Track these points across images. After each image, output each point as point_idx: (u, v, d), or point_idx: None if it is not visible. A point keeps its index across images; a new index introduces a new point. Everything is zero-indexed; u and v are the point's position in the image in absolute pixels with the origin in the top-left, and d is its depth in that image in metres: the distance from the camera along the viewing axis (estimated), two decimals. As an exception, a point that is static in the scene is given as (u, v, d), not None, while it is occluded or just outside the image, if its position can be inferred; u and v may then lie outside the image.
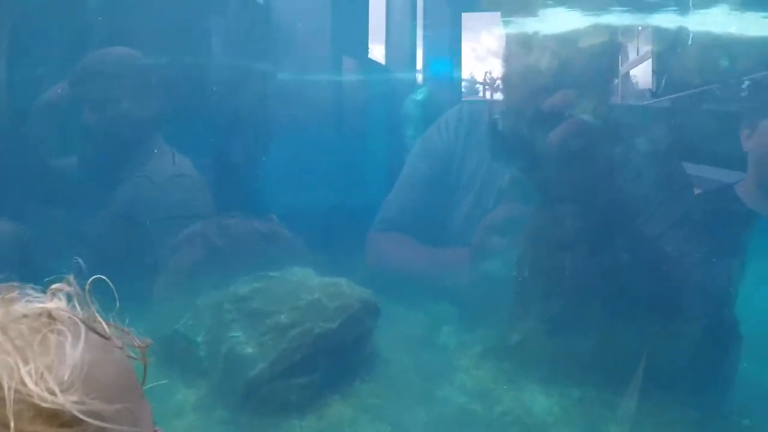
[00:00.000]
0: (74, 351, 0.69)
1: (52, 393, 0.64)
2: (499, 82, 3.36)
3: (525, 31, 3.23)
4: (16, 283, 0.75)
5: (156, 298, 3.49)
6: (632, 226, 3.15)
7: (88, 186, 3.75)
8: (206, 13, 4.06)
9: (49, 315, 0.71)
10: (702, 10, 2.89)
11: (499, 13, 3.38)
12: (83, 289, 0.79)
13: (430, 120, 4.09)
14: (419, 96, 4.44)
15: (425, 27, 4.34)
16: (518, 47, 3.20)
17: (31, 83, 3.87)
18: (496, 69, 3.39)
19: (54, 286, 0.77)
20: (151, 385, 0.87)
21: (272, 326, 3.03)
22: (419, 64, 4.37)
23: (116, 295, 0.80)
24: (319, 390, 3.02)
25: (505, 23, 3.38)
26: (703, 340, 2.96)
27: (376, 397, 3.09)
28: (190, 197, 3.88)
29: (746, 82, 2.88)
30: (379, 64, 4.51)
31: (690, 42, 2.88)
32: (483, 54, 3.40)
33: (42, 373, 0.65)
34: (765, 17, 2.91)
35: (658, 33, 3.00)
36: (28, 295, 0.74)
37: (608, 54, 3.08)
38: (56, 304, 0.74)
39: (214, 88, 3.90)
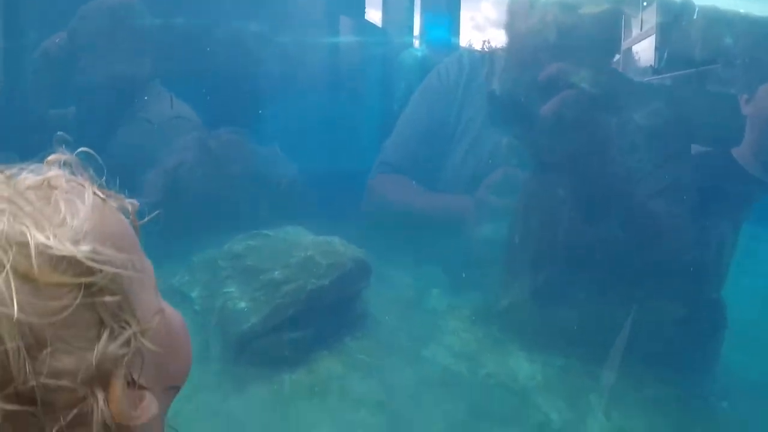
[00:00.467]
0: (83, 207, 0.72)
1: (69, 244, 0.67)
2: (498, 46, 3.35)
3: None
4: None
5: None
6: (625, 200, 3.18)
7: (87, 131, 3.76)
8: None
9: (50, 182, 0.74)
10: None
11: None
12: (74, 158, 0.80)
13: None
14: (418, 52, 4.43)
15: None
16: (519, 12, 3.19)
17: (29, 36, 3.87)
18: (496, 33, 3.38)
19: (49, 158, 0.79)
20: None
21: (266, 282, 3.08)
22: (416, 29, 4.34)
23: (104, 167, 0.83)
24: (310, 345, 3.09)
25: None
26: (689, 320, 3.01)
27: (365, 354, 3.17)
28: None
29: (747, 60, 2.88)
30: (376, 26, 4.48)
31: (695, 16, 2.87)
32: (482, 19, 3.39)
33: (57, 229, 0.68)
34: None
35: (663, 5, 2.98)
36: (24, 170, 0.76)
37: (610, 23, 3.06)
38: (55, 172, 0.76)
39: (208, 49, 3.89)
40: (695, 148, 3.10)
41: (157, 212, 0.89)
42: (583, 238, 3.24)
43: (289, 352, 3.02)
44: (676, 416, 2.93)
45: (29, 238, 0.66)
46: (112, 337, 0.68)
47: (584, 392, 3.04)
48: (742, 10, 2.89)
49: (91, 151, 0.83)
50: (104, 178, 0.82)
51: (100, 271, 0.68)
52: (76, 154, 0.81)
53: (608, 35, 3.09)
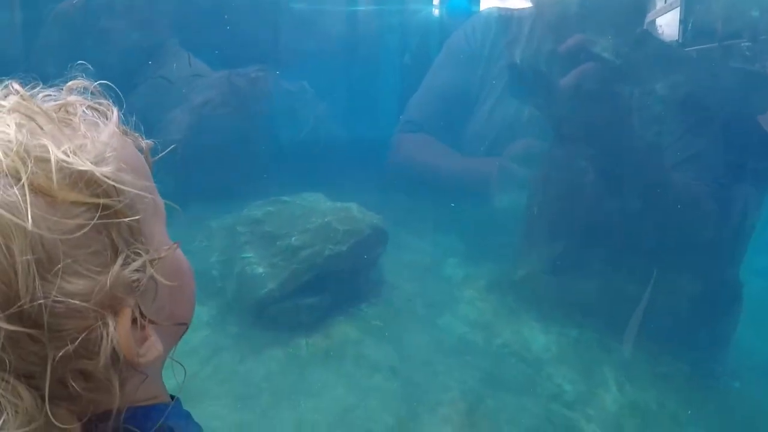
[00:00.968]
0: (106, 130, 0.71)
1: (90, 163, 0.66)
2: (519, 15, 3.30)
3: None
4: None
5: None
6: (645, 172, 3.14)
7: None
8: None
9: (68, 108, 0.72)
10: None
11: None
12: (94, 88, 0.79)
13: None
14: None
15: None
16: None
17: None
18: (518, 2, 3.31)
19: (70, 83, 0.77)
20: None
21: (283, 248, 3.11)
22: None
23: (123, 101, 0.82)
24: (327, 310, 3.13)
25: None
26: (705, 297, 3.00)
27: (380, 320, 3.19)
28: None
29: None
30: None
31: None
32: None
33: (77, 149, 0.66)
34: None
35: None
36: (43, 91, 0.75)
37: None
38: (75, 98, 0.75)
39: (226, 17, 3.86)
40: (718, 122, 3.05)
41: (173, 147, 0.87)
42: (601, 210, 3.22)
43: (306, 317, 3.06)
44: (688, 393, 2.93)
45: (50, 153, 0.65)
46: (126, 262, 0.67)
47: (598, 364, 3.05)
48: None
49: (110, 84, 0.81)
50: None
51: (118, 194, 0.67)
52: (97, 84, 0.79)
53: (632, 6, 3.03)
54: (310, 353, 2.96)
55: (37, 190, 0.63)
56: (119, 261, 0.66)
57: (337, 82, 4.13)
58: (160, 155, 0.84)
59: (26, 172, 0.63)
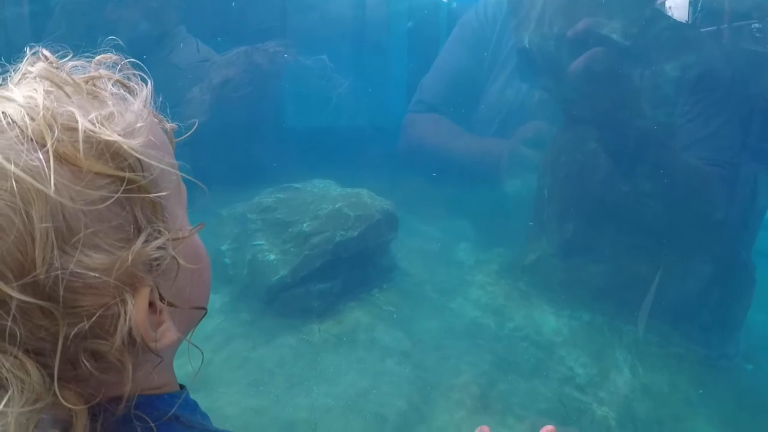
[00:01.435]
0: (136, 103, 0.71)
1: (118, 135, 0.64)
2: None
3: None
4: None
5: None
6: (654, 154, 3.13)
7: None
8: None
9: (96, 82, 0.71)
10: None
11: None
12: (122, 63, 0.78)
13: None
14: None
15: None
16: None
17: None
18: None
19: (99, 57, 0.76)
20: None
21: (294, 235, 3.12)
22: None
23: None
24: (339, 296, 3.15)
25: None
26: (717, 279, 2.99)
27: (392, 305, 3.21)
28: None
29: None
30: None
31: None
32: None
33: (105, 120, 0.65)
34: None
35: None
36: (72, 62, 0.73)
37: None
38: (105, 72, 0.73)
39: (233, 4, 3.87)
40: (728, 103, 3.02)
41: (194, 121, 0.86)
42: (611, 193, 3.21)
43: (318, 302, 3.07)
44: (701, 375, 2.94)
45: (77, 121, 0.63)
46: (148, 240, 0.65)
47: (610, 347, 3.05)
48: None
49: (138, 62, 0.79)
50: None
51: (144, 169, 0.66)
52: (127, 62, 0.77)
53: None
54: (322, 339, 2.97)
55: (61, 158, 0.62)
56: (141, 238, 0.65)
57: (347, 67, 4.11)
58: (183, 137, 0.84)
59: (52, 138, 0.61)
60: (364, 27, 4.24)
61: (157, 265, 0.66)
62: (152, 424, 0.68)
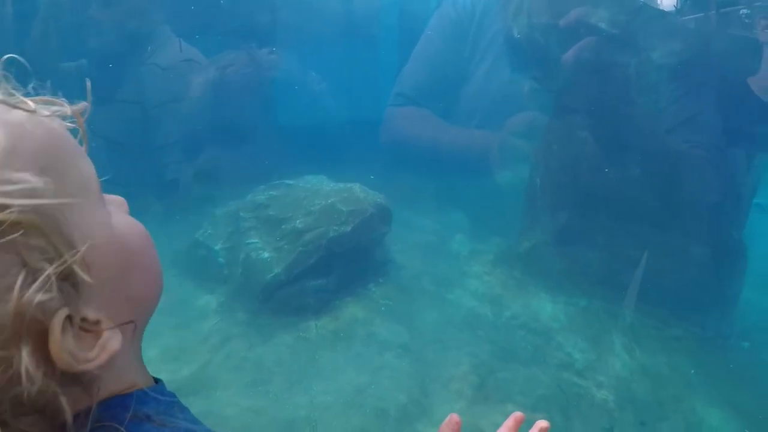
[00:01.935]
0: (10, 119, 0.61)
1: None
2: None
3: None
4: None
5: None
6: (645, 140, 3.13)
7: (99, 79, 3.77)
8: None
9: None
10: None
11: None
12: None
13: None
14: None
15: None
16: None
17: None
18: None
19: None
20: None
21: (288, 232, 3.11)
22: None
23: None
24: (334, 292, 3.14)
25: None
26: (710, 260, 3.00)
27: (389, 299, 3.20)
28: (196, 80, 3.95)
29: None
30: None
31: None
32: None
33: None
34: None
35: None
36: None
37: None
38: None
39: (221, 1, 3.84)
40: (715, 87, 3.03)
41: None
42: (603, 179, 3.22)
43: (314, 299, 3.06)
44: (698, 354, 2.95)
45: None
46: (30, 281, 0.57)
47: (607, 332, 3.06)
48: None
49: (18, 57, 0.70)
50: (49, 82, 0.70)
51: (11, 206, 0.56)
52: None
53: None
54: (319, 336, 2.96)
55: None
56: (19, 281, 0.57)
57: (336, 62, 4.10)
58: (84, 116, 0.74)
59: None
60: (353, 20, 4.22)
61: (53, 300, 0.58)
62: (120, 428, 0.64)
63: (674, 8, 2.92)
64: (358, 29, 4.20)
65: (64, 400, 0.59)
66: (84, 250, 0.62)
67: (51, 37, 3.77)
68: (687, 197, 3.02)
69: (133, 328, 0.71)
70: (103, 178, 0.73)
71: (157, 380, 0.76)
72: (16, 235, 0.57)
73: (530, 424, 0.98)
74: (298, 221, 3.13)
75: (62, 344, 0.59)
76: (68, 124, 0.72)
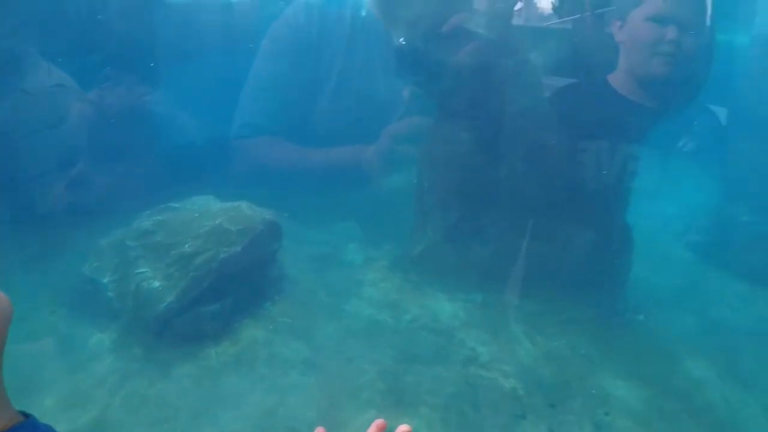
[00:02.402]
0: None
1: None
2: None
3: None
4: None
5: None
6: (525, 136, 3.25)
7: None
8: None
9: None
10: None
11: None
12: None
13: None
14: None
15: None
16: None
17: None
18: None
19: None
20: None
21: (177, 257, 2.98)
22: None
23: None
24: (231, 315, 3.04)
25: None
26: (598, 243, 3.17)
27: (287, 316, 3.14)
28: (68, 105, 3.75)
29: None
30: None
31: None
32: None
33: None
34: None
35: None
36: None
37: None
38: None
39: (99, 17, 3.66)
40: (589, 84, 3.20)
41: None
42: (489, 177, 3.31)
43: (211, 325, 2.95)
44: (597, 333, 3.11)
45: None
46: None
47: (506, 323, 3.15)
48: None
49: None
50: None
51: None
52: None
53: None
54: (220, 362, 2.86)
55: None
56: None
57: (214, 80, 3.99)
58: None
59: None
60: (235, 34, 4.13)
61: None
62: None
63: (552, 10, 3.06)
64: (239, 43, 4.12)
65: None
66: None
67: None
68: (570, 188, 3.17)
69: None
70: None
71: (27, 415, 0.74)
72: None
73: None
74: (187, 245, 3.01)
75: None
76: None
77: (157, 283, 2.91)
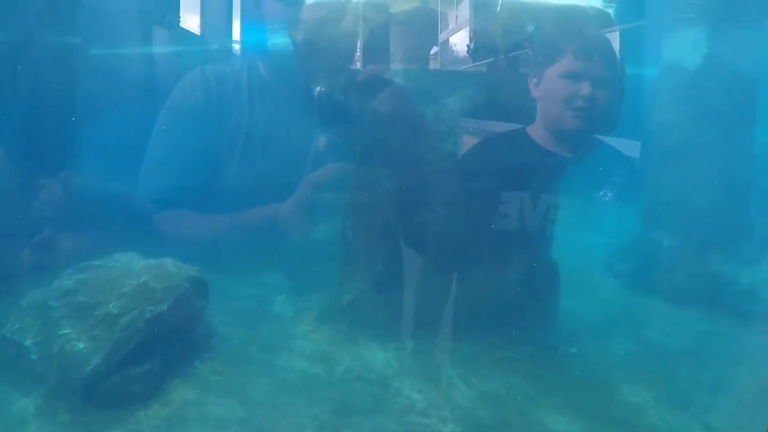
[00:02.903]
0: None
1: None
2: (312, 47, 3.37)
3: (339, -1, 3.28)
4: None
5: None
6: (446, 181, 3.35)
7: None
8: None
9: None
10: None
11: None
12: None
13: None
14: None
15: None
16: (332, 13, 3.24)
17: None
18: (310, 35, 3.38)
19: None
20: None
21: (102, 317, 2.84)
22: (235, 34, 4.23)
23: None
24: (160, 376, 2.91)
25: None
26: (525, 282, 3.26)
27: (218, 374, 3.04)
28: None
29: (539, 45, 3.18)
30: (194, 34, 4.31)
31: (499, 9, 3.12)
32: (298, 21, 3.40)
33: None
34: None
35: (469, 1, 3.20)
36: None
37: (420, 19, 3.22)
38: None
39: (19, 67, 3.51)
40: (504, 128, 3.35)
41: None
42: (413, 223, 3.37)
43: (140, 387, 2.81)
44: (532, 370, 3.16)
45: None
46: None
47: (441, 367, 3.16)
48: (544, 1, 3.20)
49: None
50: None
51: None
52: None
53: (420, 31, 3.24)
54: (151, 426, 2.72)
55: None
56: None
57: (136, 132, 3.89)
58: None
59: None
60: (156, 86, 4.06)
61: None
62: None
63: (467, 56, 3.20)
64: (161, 96, 4.05)
65: None
66: None
67: None
68: (492, 230, 3.27)
69: None
70: None
71: None
72: None
73: None
74: (111, 305, 2.87)
75: None
76: None
77: (81, 345, 2.75)
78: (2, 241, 3.28)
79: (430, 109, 3.25)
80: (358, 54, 3.20)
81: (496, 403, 2.97)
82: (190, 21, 4.33)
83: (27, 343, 2.83)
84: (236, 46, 4.27)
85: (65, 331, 2.80)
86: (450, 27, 3.23)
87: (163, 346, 2.96)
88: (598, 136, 3.28)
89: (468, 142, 3.31)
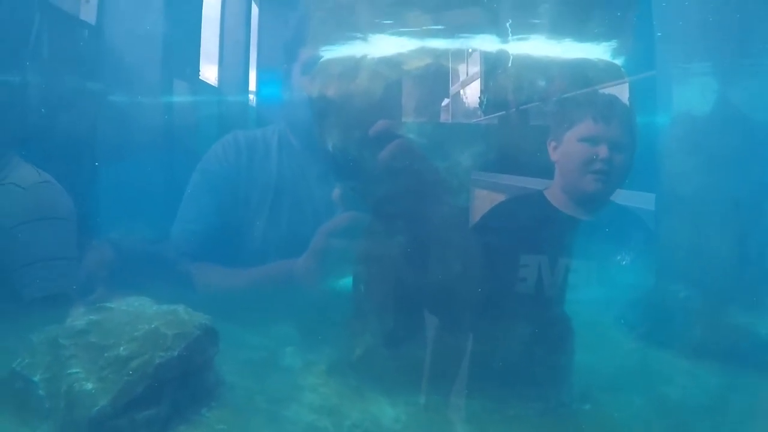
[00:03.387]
0: None
1: None
2: (329, 105, 3.46)
3: (353, 55, 3.38)
4: None
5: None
6: (458, 238, 3.37)
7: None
8: (32, 31, 3.79)
9: None
10: (520, 36, 3.22)
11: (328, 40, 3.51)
12: None
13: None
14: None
15: (259, 49, 4.37)
16: (347, 70, 3.34)
17: None
18: (324, 90, 3.47)
19: None
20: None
21: (112, 359, 2.85)
22: (252, 86, 4.37)
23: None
24: (166, 422, 2.88)
25: (333, 49, 3.50)
26: (537, 337, 3.23)
27: (224, 423, 3.01)
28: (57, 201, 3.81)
29: (557, 99, 3.25)
30: (211, 85, 4.45)
31: (510, 64, 3.20)
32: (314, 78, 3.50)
33: None
34: (579, 43, 3.29)
35: (480, 56, 3.28)
36: None
37: (432, 75, 3.30)
38: None
39: (43, 110, 3.66)
40: (518, 188, 3.38)
41: None
42: (424, 278, 3.38)
43: (145, 431, 2.80)
44: (545, 427, 3.09)
45: None
46: None
47: (450, 424, 3.11)
48: (553, 55, 3.27)
49: None
50: None
51: None
52: None
53: (432, 87, 3.32)
54: (154, 471, 2.70)
55: None
56: None
57: (154, 179, 4.00)
58: None
59: None
60: (173, 134, 4.18)
61: None
62: None
63: (478, 109, 3.26)
64: (177, 144, 4.16)
65: None
66: None
67: None
68: (503, 286, 3.27)
69: None
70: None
71: None
72: None
73: None
74: (122, 348, 2.88)
75: None
76: None
77: (90, 385, 2.75)
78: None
79: (443, 165, 3.30)
80: (371, 109, 3.28)
81: (506, 462, 2.91)
82: (209, 72, 4.48)
83: (36, 378, 2.84)
84: (252, 98, 4.40)
85: (74, 370, 2.81)
86: (461, 79, 3.30)
87: (171, 391, 2.94)
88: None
89: (480, 195, 3.33)
